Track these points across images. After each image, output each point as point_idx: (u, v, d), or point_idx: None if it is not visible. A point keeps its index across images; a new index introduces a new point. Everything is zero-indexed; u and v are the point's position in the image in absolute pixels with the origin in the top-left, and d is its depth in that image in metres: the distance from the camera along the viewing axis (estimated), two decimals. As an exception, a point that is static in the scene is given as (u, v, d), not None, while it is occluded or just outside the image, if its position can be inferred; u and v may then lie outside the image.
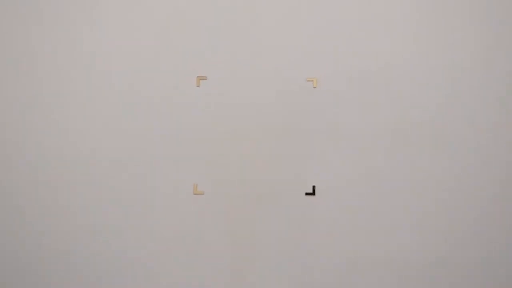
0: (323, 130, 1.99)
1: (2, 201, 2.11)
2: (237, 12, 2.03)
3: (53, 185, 2.05)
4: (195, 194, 1.97)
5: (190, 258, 1.98)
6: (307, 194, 1.98)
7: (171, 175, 2.00)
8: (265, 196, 1.98)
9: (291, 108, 2.00)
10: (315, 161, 1.99)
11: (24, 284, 2.07)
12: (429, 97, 2.08)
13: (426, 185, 2.04)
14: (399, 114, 2.01)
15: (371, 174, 1.99)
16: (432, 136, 2.03)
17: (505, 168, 2.07)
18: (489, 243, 2.05)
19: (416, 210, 2.01)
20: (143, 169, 2.01)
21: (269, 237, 1.98)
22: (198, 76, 2.00)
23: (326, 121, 1.99)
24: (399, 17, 2.06)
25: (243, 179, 1.98)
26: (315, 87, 1.98)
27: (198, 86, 2.00)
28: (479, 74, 2.09)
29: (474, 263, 2.05)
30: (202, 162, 1.99)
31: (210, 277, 1.98)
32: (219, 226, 1.99)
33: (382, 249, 1.99)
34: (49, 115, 2.07)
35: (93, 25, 2.08)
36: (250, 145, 1.99)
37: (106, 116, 2.04)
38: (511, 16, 2.13)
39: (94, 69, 2.07)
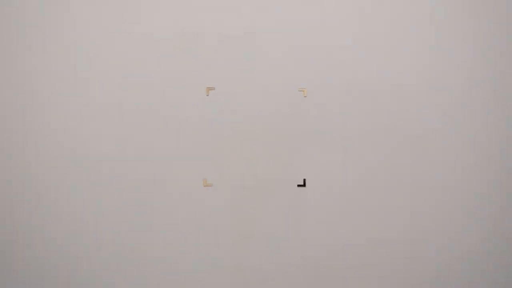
0: (312, 132, 2.17)
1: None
2: (240, 34, 2.20)
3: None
4: (205, 186, 2.17)
5: (201, 238, 2.16)
6: (299, 185, 2.16)
7: (185, 170, 2.18)
8: (264, 187, 2.17)
9: (286, 113, 2.18)
10: (305, 158, 2.17)
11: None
12: (414, 102, 2.17)
13: (409, 179, 2.16)
14: (380, 116, 2.16)
15: (354, 168, 2.16)
16: (418, 135, 2.16)
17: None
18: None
19: (395, 201, 2.17)
20: (160, 166, 2.18)
21: (267, 220, 2.17)
22: (207, 87, 2.18)
23: (314, 125, 2.17)
24: (387, 29, 2.20)
25: (245, 173, 2.17)
26: (305, 96, 2.17)
27: (207, 95, 2.18)
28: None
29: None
30: (210, 159, 2.18)
31: (217, 253, 2.16)
32: (225, 212, 2.17)
33: (364, 231, 2.17)
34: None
35: (106, 37, 2.20)
36: (251, 144, 2.18)
37: (126, 120, 2.19)
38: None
39: (113, 77, 2.19)
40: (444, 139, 2.18)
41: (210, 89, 2.19)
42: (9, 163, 2.18)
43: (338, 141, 2.18)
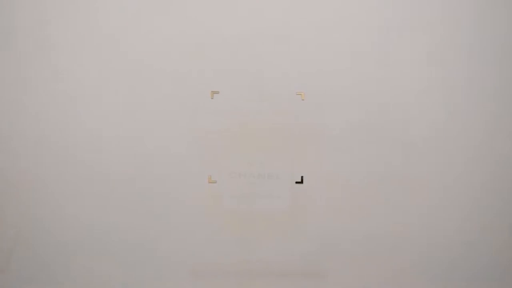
0: (309, 132, 2.22)
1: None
2: (242, 42, 2.26)
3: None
4: (209, 183, 2.24)
5: (206, 230, 2.21)
6: (296, 182, 2.24)
7: (191, 168, 2.22)
8: (264, 184, 2.24)
9: (285, 115, 2.23)
10: (303, 157, 2.23)
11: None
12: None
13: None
14: (380, 116, 2.20)
15: (347, 166, 2.22)
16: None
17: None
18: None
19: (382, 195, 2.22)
20: (167, 164, 2.22)
21: (267, 215, 2.23)
22: (212, 91, 2.25)
23: (311, 126, 2.23)
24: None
25: (247, 170, 2.24)
26: (303, 99, 2.24)
27: (212, 98, 2.25)
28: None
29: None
30: (214, 157, 2.23)
31: (220, 245, 2.21)
32: (228, 208, 2.23)
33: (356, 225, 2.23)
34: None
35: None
36: (252, 144, 2.25)
37: (130, 121, 2.22)
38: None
39: (117, 79, 2.21)
40: (444, 139, 2.21)
41: (214, 92, 2.26)
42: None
43: (332, 140, 2.24)
